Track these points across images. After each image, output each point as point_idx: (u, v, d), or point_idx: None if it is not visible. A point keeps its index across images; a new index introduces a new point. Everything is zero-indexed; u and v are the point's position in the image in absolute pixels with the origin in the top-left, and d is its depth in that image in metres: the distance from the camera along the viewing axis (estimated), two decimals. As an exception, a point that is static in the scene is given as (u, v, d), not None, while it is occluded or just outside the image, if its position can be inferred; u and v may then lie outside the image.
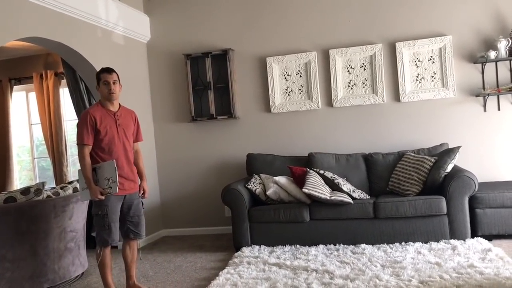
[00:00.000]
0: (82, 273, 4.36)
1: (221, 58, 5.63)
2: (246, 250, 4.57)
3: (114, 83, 3.65)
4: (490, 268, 3.53)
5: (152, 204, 5.76)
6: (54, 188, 4.34)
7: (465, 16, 5.13)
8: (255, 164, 5.35)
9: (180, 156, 5.89)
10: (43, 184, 4.04)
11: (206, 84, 5.65)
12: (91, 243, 5.23)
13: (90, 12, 4.80)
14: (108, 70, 3.69)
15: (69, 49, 4.61)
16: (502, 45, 4.91)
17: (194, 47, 5.76)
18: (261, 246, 4.67)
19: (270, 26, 5.62)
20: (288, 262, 4.06)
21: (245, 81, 5.70)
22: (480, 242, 4.23)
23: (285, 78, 5.59)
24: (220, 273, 3.96)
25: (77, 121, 5.74)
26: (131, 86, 5.56)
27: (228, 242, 5.07)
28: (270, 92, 5.60)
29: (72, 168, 7.02)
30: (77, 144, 3.56)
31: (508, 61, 5.00)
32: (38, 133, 7.08)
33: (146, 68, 5.94)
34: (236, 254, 4.51)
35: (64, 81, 6.53)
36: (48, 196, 4.03)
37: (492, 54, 4.91)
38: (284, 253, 4.42)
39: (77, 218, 4.18)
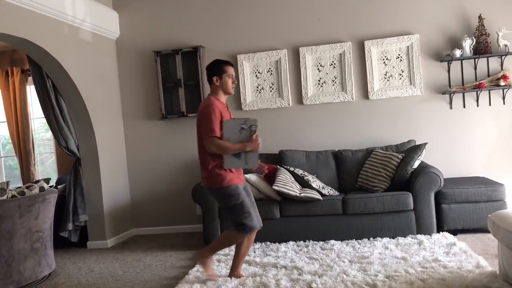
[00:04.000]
0: (49, 274, 4.28)
1: (192, 55, 5.59)
2: (216, 248, 4.56)
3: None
4: (454, 262, 3.62)
5: (123, 202, 5.70)
6: (20, 187, 4.24)
7: (432, 16, 5.23)
8: (226, 161, 5.34)
9: (150, 154, 5.84)
10: (7, 183, 3.94)
11: (176, 81, 5.61)
12: (59, 244, 5.17)
13: (56, 7, 4.70)
14: (231, 64, 3.61)
15: (34, 46, 4.51)
16: (467, 44, 5.02)
17: (164, 44, 5.71)
18: (232, 243, 4.68)
19: (241, 24, 5.62)
20: (258, 259, 4.08)
21: (216, 78, 5.67)
22: (445, 237, 4.33)
23: (256, 75, 5.59)
24: (190, 271, 3.95)
25: (44, 119, 5.64)
26: (100, 83, 5.49)
27: (200, 240, 5.06)
28: (241, 89, 5.60)
29: (40, 167, 6.89)
30: (209, 137, 3.38)
31: (472, 60, 5.12)
32: (5, 131, 6.92)
33: (115, 65, 5.86)
34: (206, 252, 4.50)
35: (31, 79, 6.39)
36: (13, 196, 3.94)
37: (458, 53, 5.03)
38: (254, 250, 4.43)
39: (43, 217, 4.10)
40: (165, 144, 5.80)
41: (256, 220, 3.52)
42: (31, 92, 6.63)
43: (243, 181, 3.62)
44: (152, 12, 5.79)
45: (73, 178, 5.32)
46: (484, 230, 4.51)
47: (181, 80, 5.59)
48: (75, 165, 5.37)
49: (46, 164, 7.01)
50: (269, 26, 5.56)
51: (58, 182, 6.06)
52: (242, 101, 5.60)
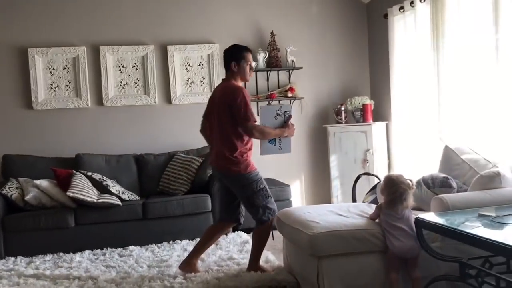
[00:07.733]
0: None
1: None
2: (-2, 264, 4.05)
3: None
4: (246, 258, 3.84)
5: None
6: None
7: (231, 27, 5.52)
8: (13, 166, 4.80)
9: None
10: None
11: (-51, 73, 4.81)
12: None
13: None
14: (250, 50, 3.54)
15: None
16: (261, 57, 5.46)
17: None
18: (18, 257, 4.20)
19: (34, 13, 5.10)
20: (48, 272, 3.74)
21: (0, 72, 5.06)
22: (240, 235, 4.61)
23: (50, 72, 5.15)
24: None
25: None
26: None
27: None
28: (32, 86, 5.09)
29: None
30: (250, 122, 3.30)
31: (265, 72, 5.59)
32: None
33: None
34: (-16, 269, 3.95)
35: None
36: None
37: (253, 65, 5.41)
38: (44, 262, 4.05)
39: None
40: None
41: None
42: None
43: None
44: None
45: None
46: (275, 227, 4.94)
47: (-44, 72, 4.81)
48: None
49: None
50: (67, 20, 5.17)
51: None
52: (33, 99, 5.09)
